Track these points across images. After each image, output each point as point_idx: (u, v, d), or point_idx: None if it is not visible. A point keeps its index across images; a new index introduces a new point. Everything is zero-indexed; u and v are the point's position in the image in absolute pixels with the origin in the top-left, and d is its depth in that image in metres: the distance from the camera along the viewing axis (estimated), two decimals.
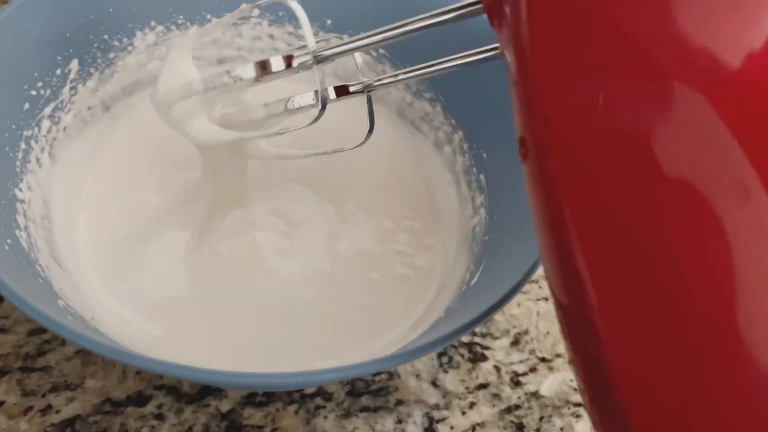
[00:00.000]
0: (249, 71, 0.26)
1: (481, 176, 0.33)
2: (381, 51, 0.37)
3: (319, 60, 0.26)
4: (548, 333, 0.34)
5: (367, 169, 0.36)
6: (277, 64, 0.26)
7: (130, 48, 0.34)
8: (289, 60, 0.26)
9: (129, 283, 0.29)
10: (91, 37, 0.32)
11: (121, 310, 0.28)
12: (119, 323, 0.28)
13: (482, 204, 0.33)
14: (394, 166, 0.37)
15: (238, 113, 0.30)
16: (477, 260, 0.30)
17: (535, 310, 0.35)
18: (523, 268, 0.25)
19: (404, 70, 0.29)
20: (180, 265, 0.31)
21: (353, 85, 0.28)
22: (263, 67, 0.26)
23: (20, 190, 0.28)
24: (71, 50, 0.32)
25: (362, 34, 0.26)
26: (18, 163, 0.28)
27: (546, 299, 0.35)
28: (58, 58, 0.31)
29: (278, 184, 0.35)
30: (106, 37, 0.33)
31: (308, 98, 0.28)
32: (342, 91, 0.28)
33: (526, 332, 0.34)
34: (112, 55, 0.33)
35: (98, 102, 0.34)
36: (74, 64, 0.32)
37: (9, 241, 0.25)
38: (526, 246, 0.28)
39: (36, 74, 0.30)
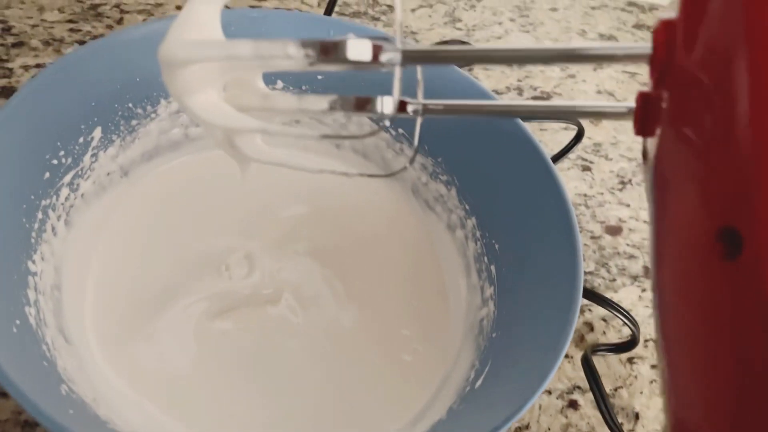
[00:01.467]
0: (312, 47, 0.20)
1: (492, 267, 0.33)
2: (400, 130, 0.37)
3: (408, 59, 0.20)
4: (549, 429, 0.33)
5: (378, 247, 0.36)
6: (359, 49, 0.20)
7: (153, 115, 0.34)
8: (377, 50, 0.20)
9: (133, 358, 0.29)
10: (116, 105, 0.33)
11: (124, 388, 0.28)
12: (121, 402, 0.28)
13: (491, 297, 0.33)
14: (406, 245, 0.37)
15: (251, 96, 0.24)
16: (483, 358, 0.30)
17: (537, 404, 0.34)
18: (533, 384, 0.25)
19: (477, 102, 0.25)
20: (186, 341, 0.30)
21: (412, 103, 0.23)
22: (335, 49, 0.20)
23: (33, 262, 0.28)
24: (96, 119, 0.32)
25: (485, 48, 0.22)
26: (33, 234, 0.29)
27: (549, 392, 0.35)
28: (82, 126, 0.31)
29: (289, 257, 0.35)
30: (130, 105, 0.33)
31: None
32: (401, 107, 0.23)
33: (527, 427, 0.33)
34: (134, 122, 0.34)
35: (117, 167, 0.34)
36: (97, 132, 0.32)
37: (18, 321, 0.25)
38: (536, 354, 0.27)
39: (59, 143, 0.30)
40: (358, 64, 0.20)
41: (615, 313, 0.37)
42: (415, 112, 0.23)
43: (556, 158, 0.44)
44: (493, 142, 0.35)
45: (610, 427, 0.32)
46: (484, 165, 0.35)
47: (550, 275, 0.30)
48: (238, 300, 0.32)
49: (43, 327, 0.27)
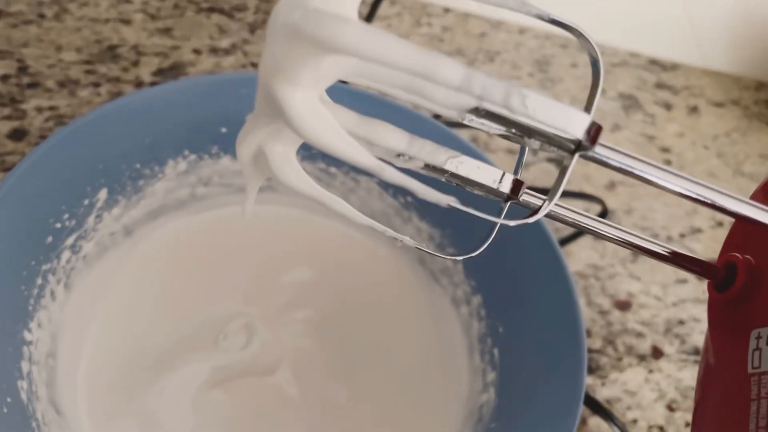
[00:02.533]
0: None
1: (495, 350, 0.33)
2: (409, 198, 0.37)
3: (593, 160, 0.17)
4: None
5: (380, 318, 0.36)
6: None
7: (160, 175, 0.34)
8: (596, 135, 0.16)
9: None
10: (123, 166, 0.32)
11: None
12: None
13: (493, 383, 0.32)
14: (409, 317, 0.36)
15: (343, 113, 0.17)
16: None
17: None
18: None
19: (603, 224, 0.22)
20: (179, 416, 0.30)
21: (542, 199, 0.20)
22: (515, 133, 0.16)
23: (29, 330, 0.28)
24: (102, 180, 0.32)
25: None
26: (32, 301, 0.28)
27: None
28: (88, 188, 0.31)
29: (288, 326, 0.34)
30: (138, 166, 0.33)
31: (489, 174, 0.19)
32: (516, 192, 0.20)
33: None
34: (141, 182, 0.33)
35: (121, 227, 0.33)
36: (103, 194, 0.32)
37: (9, 399, 0.25)
38: None
39: (64, 207, 0.30)
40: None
41: (611, 425, 0.34)
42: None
43: (575, 235, 0.43)
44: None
45: None
46: (493, 242, 0.34)
47: (552, 371, 0.29)
48: (235, 371, 0.32)
49: (34, 401, 0.26)
